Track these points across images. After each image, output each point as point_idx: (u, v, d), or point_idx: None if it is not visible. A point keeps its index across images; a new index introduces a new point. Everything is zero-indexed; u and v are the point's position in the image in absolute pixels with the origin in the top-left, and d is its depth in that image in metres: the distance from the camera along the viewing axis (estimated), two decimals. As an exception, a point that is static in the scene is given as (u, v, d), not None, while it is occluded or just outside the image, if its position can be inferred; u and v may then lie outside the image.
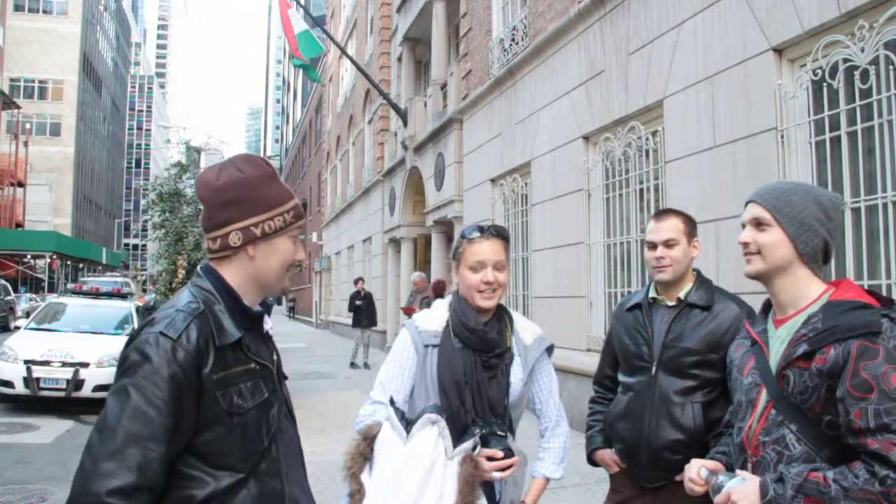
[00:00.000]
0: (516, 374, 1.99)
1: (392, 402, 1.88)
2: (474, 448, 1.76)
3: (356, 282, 14.11)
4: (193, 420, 1.30)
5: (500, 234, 1.99)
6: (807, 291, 1.59)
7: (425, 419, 1.75)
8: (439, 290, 9.70)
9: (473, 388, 1.89)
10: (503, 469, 1.78)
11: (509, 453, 1.78)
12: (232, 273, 1.46)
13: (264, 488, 1.39)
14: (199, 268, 1.51)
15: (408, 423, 1.78)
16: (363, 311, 13.29)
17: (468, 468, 1.71)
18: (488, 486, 1.85)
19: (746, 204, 1.69)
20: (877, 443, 1.35)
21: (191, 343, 1.30)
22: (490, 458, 1.77)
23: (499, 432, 1.82)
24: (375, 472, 1.73)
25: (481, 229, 1.99)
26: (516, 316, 2.09)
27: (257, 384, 1.41)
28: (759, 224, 1.61)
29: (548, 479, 2.08)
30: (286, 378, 1.62)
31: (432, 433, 1.73)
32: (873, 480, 1.34)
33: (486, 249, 1.94)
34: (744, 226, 1.67)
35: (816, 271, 1.61)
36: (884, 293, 4.08)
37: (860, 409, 1.38)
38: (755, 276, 1.63)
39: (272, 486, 1.40)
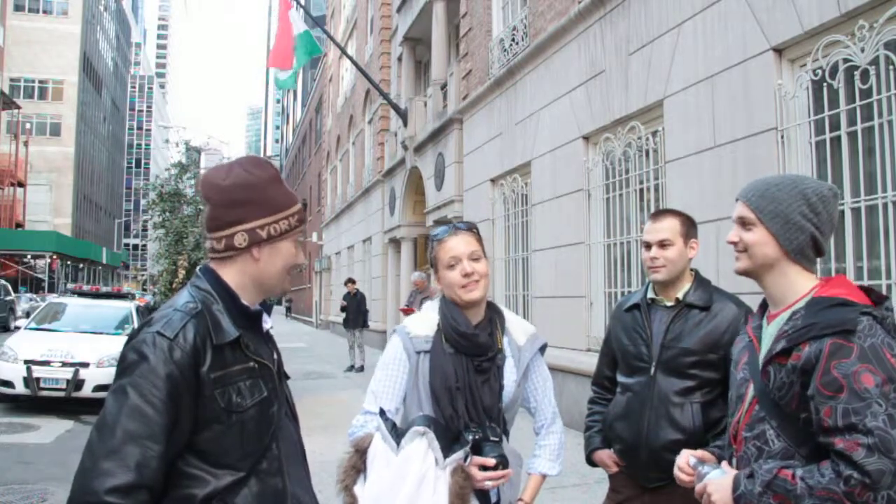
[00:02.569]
0: (509, 375, 1.97)
1: (382, 412, 1.86)
2: (465, 457, 1.75)
3: (346, 283, 14.13)
4: (192, 419, 1.31)
5: (469, 227, 1.99)
6: (796, 287, 1.58)
7: (413, 432, 1.73)
8: None
9: (466, 393, 1.88)
10: (497, 478, 1.76)
11: (503, 461, 1.76)
12: (233, 274, 1.47)
13: (265, 487, 1.39)
14: (198, 269, 1.52)
15: (398, 435, 1.76)
16: (349, 312, 13.30)
17: (459, 479, 1.70)
18: (483, 492, 1.84)
19: (736, 201, 1.69)
20: (843, 442, 1.34)
21: (187, 342, 1.31)
22: (483, 466, 1.75)
23: (493, 438, 1.79)
24: (367, 485, 1.73)
25: (449, 227, 2.00)
26: (508, 315, 2.06)
27: (256, 383, 1.41)
28: (744, 223, 1.62)
29: (544, 476, 2.07)
30: (288, 377, 1.62)
31: (421, 445, 1.71)
32: (838, 480, 1.33)
33: (457, 243, 1.94)
34: (734, 222, 1.68)
35: (807, 266, 1.59)
36: (883, 293, 4.09)
37: (829, 407, 1.37)
38: (743, 274, 1.65)
39: (273, 484, 1.40)
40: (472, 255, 1.93)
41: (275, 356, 1.53)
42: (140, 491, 1.21)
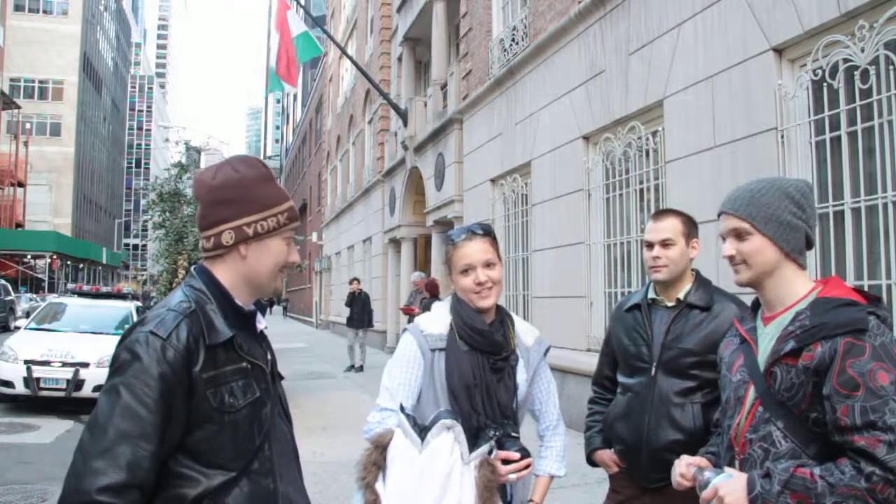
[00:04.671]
0: (521, 375, 2.00)
1: (402, 408, 1.85)
2: (490, 452, 1.75)
3: (350, 282, 14.15)
4: (184, 418, 1.30)
5: (486, 231, 1.99)
6: (794, 288, 1.60)
7: (441, 425, 1.72)
8: (432, 290, 9.68)
9: (483, 390, 1.89)
10: (520, 470, 1.77)
11: (525, 453, 1.78)
12: (225, 272, 1.47)
13: (257, 487, 1.39)
14: (192, 268, 1.52)
15: (420, 430, 1.75)
16: (354, 312, 13.33)
17: (486, 473, 1.70)
18: (501, 488, 1.85)
19: (719, 214, 1.68)
20: (863, 440, 1.36)
21: (180, 342, 1.31)
22: (505, 461, 1.76)
23: (513, 434, 1.82)
24: (391, 482, 1.71)
25: (466, 231, 1.98)
26: (515, 318, 2.09)
27: (249, 383, 1.41)
28: (738, 234, 1.62)
29: (552, 477, 2.09)
30: (282, 378, 1.62)
31: (448, 439, 1.71)
32: (859, 477, 1.35)
33: (473, 250, 1.94)
34: (723, 237, 1.67)
35: (802, 263, 1.62)
36: (884, 293, 4.09)
37: (847, 406, 1.39)
38: (746, 285, 1.65)
39: (265, 484, 1.40)
40: (486, 262, 1.94)
41: (269, 357, 1.53)
42: (132, 490, 1.21)
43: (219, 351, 1.37)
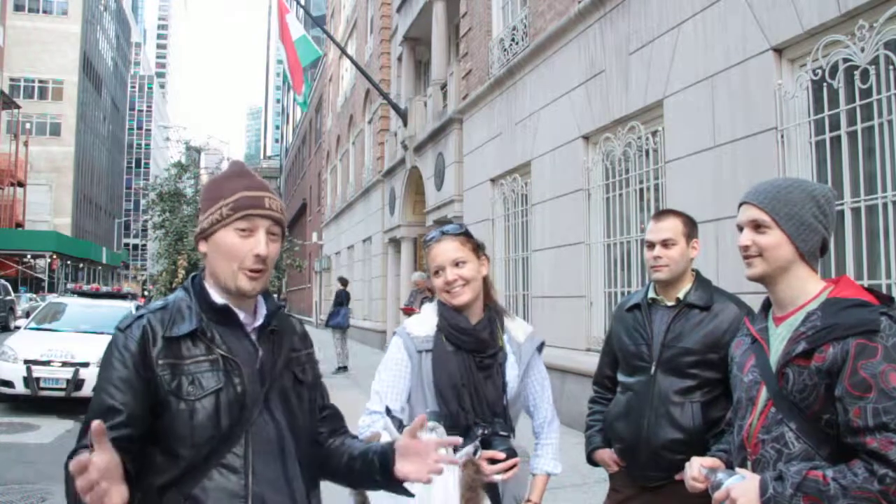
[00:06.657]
0: (511, 371, 2.00)
1: (388, 411, 1.87)
2: (475, 451, 1.76)
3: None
4: (145, 397, 1.38)
5: (457, 231, 2.01)
6: (806, 289, 1.59)
7: (424, 428, 1.72)
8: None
9: (471, 389, 1.90)
10: (506, 470, 1.77)
11: (511, 453, 1.78)
12: (207, 271, 1.55)
13: (226, 482, 1.39)
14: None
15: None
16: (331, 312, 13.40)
17: (470, 472, 1.71)
18: (492, 486, 1.86)
19: (741, 205, 1.67)
20: (875, 441, 1.35)
21: (136, 332, 1.42)
22: (491, 460, 1.76)
23: (501, 432, 1.82)
24: None
25: (439, 232, 2.03)
26: (508, 315, 2.11)
27: (216, 374, 1.42)
28: (757, 226, 1.60)
29: (549, 475, 2.09)
30: (301, 381, 1.60)
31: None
32: (872, 479, 1.34)
33: (441, 251, 1.98)
34: (740, 228, 1.66)
35: (815, 267, 1.62)
36: (884, 293, 4.08)
37: (859, 407, 1.38)
38: (757, 279, 1.63)
39: (234, 480, 1.40)
40: (455, 261, 1.96)
41: (259, 353, 1.50)
42: (117, 412, 1.34)
43: (182, 342, 1.43)
